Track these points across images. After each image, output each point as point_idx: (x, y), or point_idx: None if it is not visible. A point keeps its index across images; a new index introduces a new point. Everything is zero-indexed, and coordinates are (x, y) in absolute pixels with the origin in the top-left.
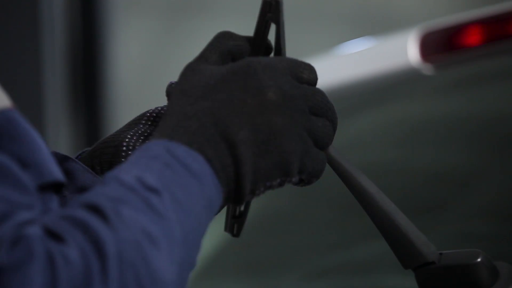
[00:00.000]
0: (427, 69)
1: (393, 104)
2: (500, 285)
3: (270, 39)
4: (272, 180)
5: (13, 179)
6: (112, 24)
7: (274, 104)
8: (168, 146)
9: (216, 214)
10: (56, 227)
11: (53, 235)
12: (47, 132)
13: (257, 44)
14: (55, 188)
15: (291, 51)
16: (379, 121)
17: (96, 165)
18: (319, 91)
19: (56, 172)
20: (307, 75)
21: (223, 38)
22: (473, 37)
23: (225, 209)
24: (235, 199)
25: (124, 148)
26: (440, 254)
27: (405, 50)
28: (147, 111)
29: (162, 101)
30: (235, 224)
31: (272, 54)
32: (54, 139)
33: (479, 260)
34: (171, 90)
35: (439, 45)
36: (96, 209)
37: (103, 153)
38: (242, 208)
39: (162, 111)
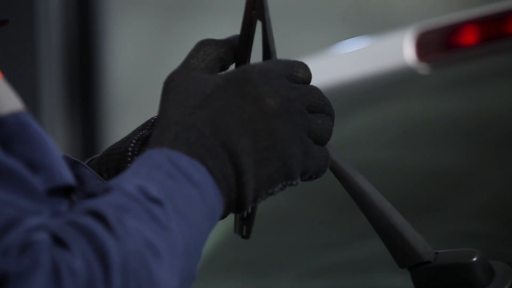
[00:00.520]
0: (423, 69)
1: (389, 104)
2: (496, 285)
3: (257, 37)
4: (274, 186)
5: (23, 185)
6: (108, 24)
7: (272, 110)
8: (170, 155)
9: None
10: (62, 233)
11: (59, 241)
12: None
13: (243, 43)
14: (66, 191)
15: (287, 51)
16: (375, 120)
17: (104, 172)
18: (314, 88)
19: (66, 176)
20: (302, 74)
21: (208, 46)
22: (469, 37)
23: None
24: (237, 208)
25: (130, 154)
26: (436, 253)
27: (401, 50)
28: (152, 118)
29: (157, 100)
30: (244, 226)
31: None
32: None
33: (474, 259)
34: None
35: (435, 44)
36: (100, 217)
37: (110, 160)
38: (250, 209)
39: None
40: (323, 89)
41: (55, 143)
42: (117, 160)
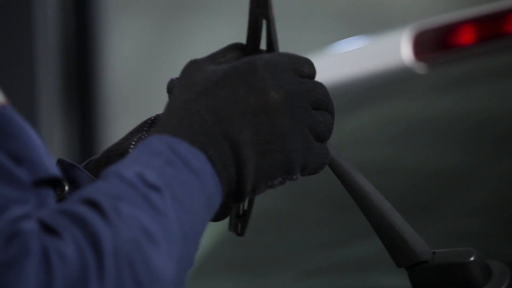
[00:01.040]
0: (420, 68)
1: (386, 103)
2: (493, 284)
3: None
4: (273, 179)
5: (7, 174)
6: (106, 24)
7: (277, 104)
8: (170, 142)
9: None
10: (53, 221)
11: (49, 229)
12: (40, 132)
13: (251, 42)
14: (52, 184)
15: (285, 50)
16: (371, 120)
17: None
18: (320, 84)
19: (51, 168)
20: (308, 69)
21: (236, 48)
22: (466, 36)
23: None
24: (236, 198)
25: None
26: (434, 253)
27: (398, 49)
28: (149, 118)
29: (155, 100)
30: (239, 224)
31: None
32: (48, 139)
33: (472, 259)
34: (172, 86)
35: (432, 44)
36: (94, 205)
37: (109, 162)
38: (246, 207)
39: None
40: None
41: (39, 137)
42: (117, 161)
